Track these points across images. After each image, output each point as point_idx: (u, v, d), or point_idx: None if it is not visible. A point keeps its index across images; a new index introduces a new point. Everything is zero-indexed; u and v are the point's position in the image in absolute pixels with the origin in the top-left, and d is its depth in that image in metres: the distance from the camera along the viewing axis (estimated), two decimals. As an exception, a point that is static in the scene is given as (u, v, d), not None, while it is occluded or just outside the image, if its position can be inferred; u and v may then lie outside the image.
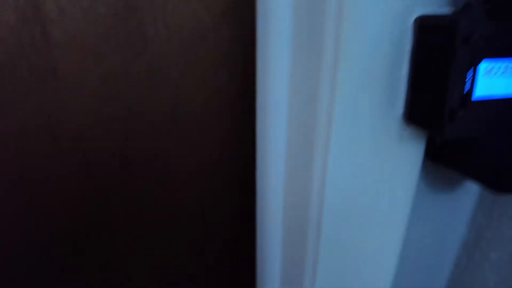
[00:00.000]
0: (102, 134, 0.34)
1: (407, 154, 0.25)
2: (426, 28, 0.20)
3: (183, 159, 0.37)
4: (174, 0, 0.30)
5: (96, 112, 0.33)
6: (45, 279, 0.41)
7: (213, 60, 0.33)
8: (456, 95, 0.20)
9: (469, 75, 0.19)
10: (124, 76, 0.32)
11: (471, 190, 0.30)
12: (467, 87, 0.20)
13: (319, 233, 0.26)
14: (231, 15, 0.31)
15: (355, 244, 0.27)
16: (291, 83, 0.26)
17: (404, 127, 0.24)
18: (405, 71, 0.22)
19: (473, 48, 0.19)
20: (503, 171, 0.23)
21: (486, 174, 0.23)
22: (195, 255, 0.43)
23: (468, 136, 0.21)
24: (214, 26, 0.31)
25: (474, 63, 0.19)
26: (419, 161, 0.25)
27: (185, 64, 0.33)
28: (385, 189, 0.25)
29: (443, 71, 0.19)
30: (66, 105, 0.33)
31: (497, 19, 0.18)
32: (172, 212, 0.40)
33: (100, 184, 0.37)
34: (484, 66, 0.20)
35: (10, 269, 0.40)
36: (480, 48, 0.19)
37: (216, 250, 0.43)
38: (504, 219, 0.27)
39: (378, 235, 0.27)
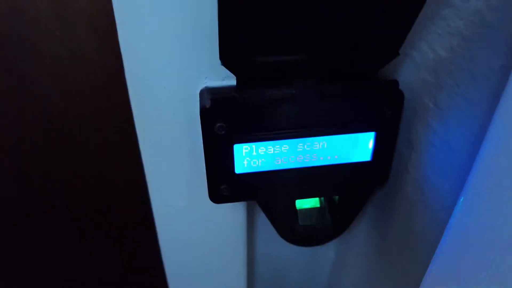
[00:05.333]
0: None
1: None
2: (202, 106, 0.21)
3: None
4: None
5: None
6: None
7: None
8: (218, 171, 0.22)
9: (227, 154, 0.22)
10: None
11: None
12: (228, 164, 0.22)
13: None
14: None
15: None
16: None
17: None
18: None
19: (222, 135, 0.21)
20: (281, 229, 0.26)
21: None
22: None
23: (237, 201, 0.24)
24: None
25: (227, 147, 0.21)
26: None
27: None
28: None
29: (205, 148, 0.22)
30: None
31: (248, 111, 0.21)
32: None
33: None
34: (238, 148, 0.22)
35: None
36: (230, 135, 0.21)
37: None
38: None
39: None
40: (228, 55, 0.18)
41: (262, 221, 0.31)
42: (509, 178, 0.15)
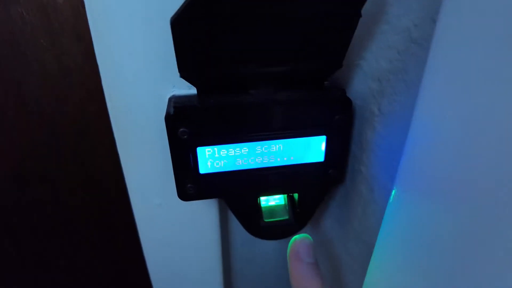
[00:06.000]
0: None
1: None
2: (167, 113, 0.23)
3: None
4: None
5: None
6: None
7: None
8: (184, 171, 0.25)
9: (191, 156, 0.24)
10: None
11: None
12: (193, 165, 0.24)
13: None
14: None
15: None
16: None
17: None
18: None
19: (185, 139, 0.23)
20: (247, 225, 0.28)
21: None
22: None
23: (203, 198, 0.26)
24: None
25: (191, 149, 0.24)
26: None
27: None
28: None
29: (171, 150, 0.24)
30: None
31: (207, 117, 0.23)
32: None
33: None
34: (201, 151, 0.24)
35: None
36: (193, 139, 0.23)
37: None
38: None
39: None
40: (185, 69, 0.20)
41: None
42: (425, 173, 0.18)
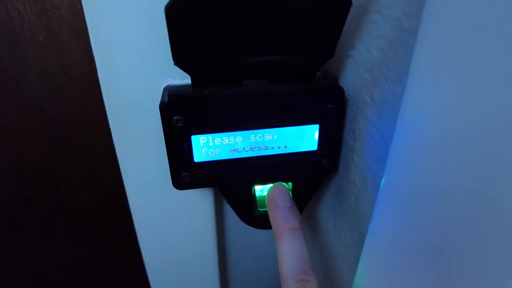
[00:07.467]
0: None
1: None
2: (161, 101, 0.23)
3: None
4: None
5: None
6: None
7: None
8: (178, 159, 0.25)
9: (185, 144, 0.24)
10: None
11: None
12: (187, 153, 0.25)
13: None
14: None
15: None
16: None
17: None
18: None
19: (180, 127, 0.23)
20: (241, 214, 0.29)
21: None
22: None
23: (198, 187, 0.27)
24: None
25: (186, 138, 0.24)
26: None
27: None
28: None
29: (166, 139, 0.24)
30: None
31: (201, 106, 0.23)
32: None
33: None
34: (196, 139, 0.24)
35: None
36: (187, 127, 0.24)
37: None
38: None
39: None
40: (179, 57, 0.21)
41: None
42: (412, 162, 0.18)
